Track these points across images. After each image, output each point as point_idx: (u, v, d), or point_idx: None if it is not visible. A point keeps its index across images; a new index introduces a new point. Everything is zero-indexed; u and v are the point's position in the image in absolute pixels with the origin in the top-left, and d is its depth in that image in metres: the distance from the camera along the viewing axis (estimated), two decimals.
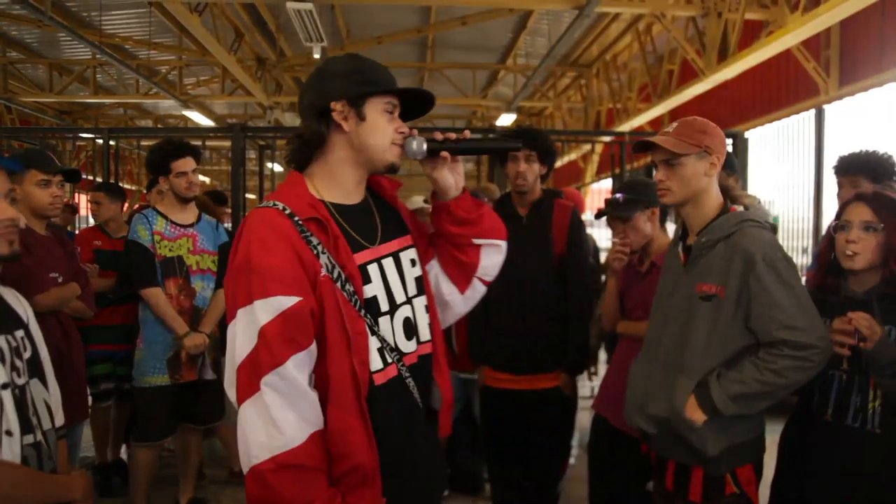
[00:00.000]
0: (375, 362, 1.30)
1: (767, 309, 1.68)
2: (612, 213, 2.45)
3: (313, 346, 1.25)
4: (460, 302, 1.56)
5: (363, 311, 1.30)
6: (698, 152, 1.77)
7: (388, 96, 1.36)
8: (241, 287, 1.23)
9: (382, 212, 1.45)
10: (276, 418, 1.18)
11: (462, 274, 1.53)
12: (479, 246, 1.51)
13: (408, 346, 1.39)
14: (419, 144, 1.38)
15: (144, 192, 3.92)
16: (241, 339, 1.22)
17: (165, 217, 2.97)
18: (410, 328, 1.40)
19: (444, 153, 1.42)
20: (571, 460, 3.91)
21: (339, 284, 1.27)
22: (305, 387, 1.23)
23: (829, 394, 1.80)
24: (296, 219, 1.27)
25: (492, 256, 1.54)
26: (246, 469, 1.21)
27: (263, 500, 1.20)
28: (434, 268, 1.54)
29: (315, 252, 1.26)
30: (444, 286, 1.54)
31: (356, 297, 1.29)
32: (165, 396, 2.90)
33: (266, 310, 1.20)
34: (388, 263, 1.39)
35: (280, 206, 1.28)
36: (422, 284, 1.46)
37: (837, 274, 1.86)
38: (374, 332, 1.31)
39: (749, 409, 1.71)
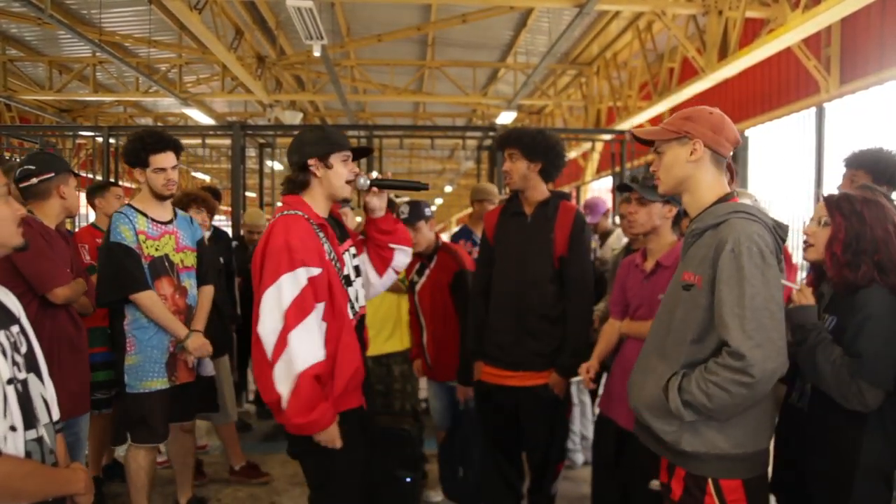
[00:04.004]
0: (349, 313, 2.05)
1: (718, 303, 1.59)
2: (638, 188, 2.39)
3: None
4: (378, 284, 2.34)
5: (343, 281, 2.06)
6: (678, 138, 1.72)
7: (343, 151, 2.08)
8: (284, 260, 1.89)
9: (336, 223, 2.19)
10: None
11: (382, 265, 2.32)
12: (393, 248, 2.30)
13: (357, 307, 2.14)
14: (364, 181, 2.16)
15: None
16: (288, 292, 1.88)
17: (145, 214, 2.81)
18: (356, 297, 2.14)
19: (374, 188, 2.19)
20: (573, 459, 3.92)
21: (333, 264, 2.02)
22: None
23: (795, 376, 1.93)
24: (311, 222, 2.01)
25: (401, 257, 2.34)
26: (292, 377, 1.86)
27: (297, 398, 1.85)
28: (364, 260, 2.29)
29: (322, 242, 2.00)
30: (370, 272, 2.31)
31: (340, 271, 2.06)
32: (165, 400, 2.80)
33: (304, 274, 1.91)
34: (347, 255, 2.16)
35: (300, 213, 2.01)
36: (359, 270, 2.23)
37: (822, 275, 1.96)
38: (347, 294, 2.07)
39: (709, 415, 1.61)
